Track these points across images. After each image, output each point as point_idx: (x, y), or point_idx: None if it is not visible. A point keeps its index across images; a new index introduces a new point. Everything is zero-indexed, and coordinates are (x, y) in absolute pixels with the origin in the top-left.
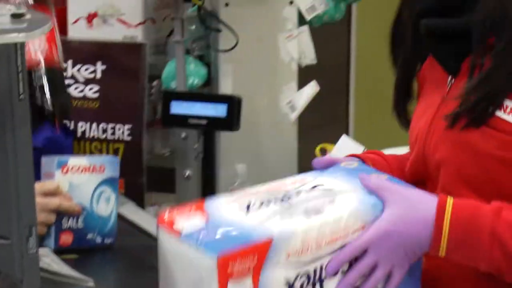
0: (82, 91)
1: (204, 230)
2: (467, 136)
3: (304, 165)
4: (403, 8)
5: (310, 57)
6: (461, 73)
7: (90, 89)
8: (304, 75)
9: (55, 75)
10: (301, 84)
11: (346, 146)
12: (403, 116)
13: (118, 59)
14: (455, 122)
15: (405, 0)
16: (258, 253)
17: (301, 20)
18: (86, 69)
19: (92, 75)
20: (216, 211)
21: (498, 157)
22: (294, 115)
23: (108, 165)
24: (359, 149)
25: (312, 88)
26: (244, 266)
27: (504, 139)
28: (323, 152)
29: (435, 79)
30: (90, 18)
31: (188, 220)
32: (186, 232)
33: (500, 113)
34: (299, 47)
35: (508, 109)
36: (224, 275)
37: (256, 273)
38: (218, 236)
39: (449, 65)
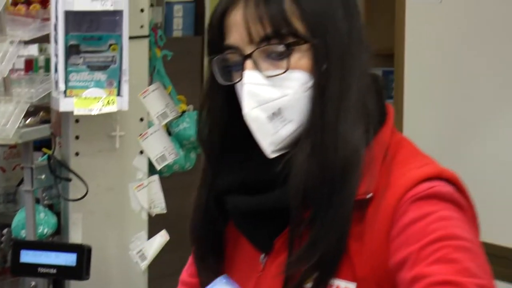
0: None
1: None
2: None
3: None
4: (202, 186)
5: (160, 206)
6: (275, 249)
7: None
8: (154, 224)
9: None
10: (151, 233)
11: None
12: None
13: None
14: None
15: (205, 176)
16: None
17: (152, 170)
18: None
19: None
20: None
21: None
22: (144, 264)
23: None
24: None
25: (162, 237)
26: None
27: None
28: None
29: (246, 254)
30: None
31: None
32: None
33: None
34: (149, 197)
35: (334, 287)
36: None
37: None
38: None
39: (261, 244)
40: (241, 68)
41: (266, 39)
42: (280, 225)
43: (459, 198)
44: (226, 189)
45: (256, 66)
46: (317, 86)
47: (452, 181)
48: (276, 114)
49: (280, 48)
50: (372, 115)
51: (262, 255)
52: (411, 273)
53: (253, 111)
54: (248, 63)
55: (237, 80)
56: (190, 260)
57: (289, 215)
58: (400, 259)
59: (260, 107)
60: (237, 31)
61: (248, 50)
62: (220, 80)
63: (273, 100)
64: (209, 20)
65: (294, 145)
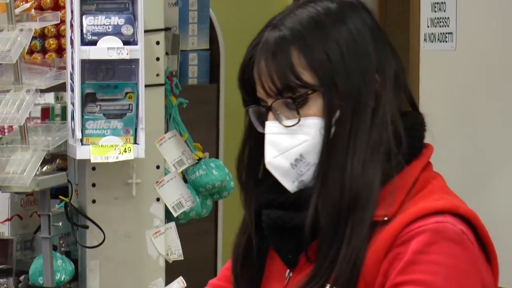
0: None
1: None
2: None
3: None
4: (246, 200)
5: (177, 253)
6: (299, 266)
7: None
8: (171, 271)
9: None
10: (168, 279)
11: None
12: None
13: None
14: None
15: (248, 193)
16: None
17: (168, 217)
18: None
19: None
20: None
21: None
22: None
23: None
24: None
25: (179, 284)
26: None
27: None
28: None
29: (275, 270)
30: None
31: None
32: None
33: None
34: (166, 243)
35: None
36: None
37: None
38: None
39: (287, 258)
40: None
41: (279, 93)
42: (308, 242)
43: (465, 239)
44: (264, 205)
45: (276, 117)
46: (327, 130)
47: (468, 218)
48: (298, 160)
49: (292, 99)
50: (396, 150)
51: (288, 271)
52: None
53: (275, 159)
54: (269, 114)
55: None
56: (223, 267)
57: (316, 233)
58: (380, 284)
59: (282, 155)
60: (258, 85)
61: (268, 102)
62: (259, 128)
63: (294, 147)
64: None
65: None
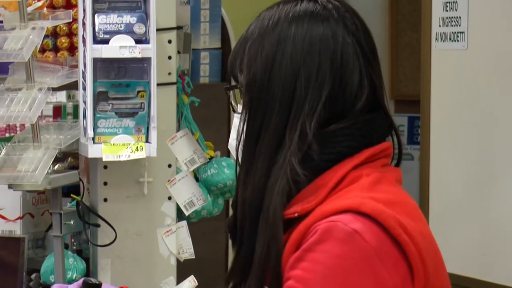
0: None
1: None
2: None
3: None
4: None
5: (189, 252)
6: None
7: None
8: (183, 270)
9: None
10: (180, 278)
11: None
12: None
13: None
14: None
15: None
16: None
17: (179, 215)
18: None
19: None
20: None
21: None
22: None
23: None
24: None
25: (190, 283)
26: None
27: None
28: None
29: None
30: None
31: None
32: None
33: None
34: (178, 242)
35: None
36: None
37: None
38: None
39: None
40: None
41: (232, 79)
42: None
43: (356, 239)
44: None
45: (231, 102)
46: (242, 128)
47: (371, 215)
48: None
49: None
50: (321, 151)
51: None
52: None
53: (233, 141)
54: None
55: None
56: None
57: None
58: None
59: (237, 138)
60: None
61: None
62: None
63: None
64: None
65: None
